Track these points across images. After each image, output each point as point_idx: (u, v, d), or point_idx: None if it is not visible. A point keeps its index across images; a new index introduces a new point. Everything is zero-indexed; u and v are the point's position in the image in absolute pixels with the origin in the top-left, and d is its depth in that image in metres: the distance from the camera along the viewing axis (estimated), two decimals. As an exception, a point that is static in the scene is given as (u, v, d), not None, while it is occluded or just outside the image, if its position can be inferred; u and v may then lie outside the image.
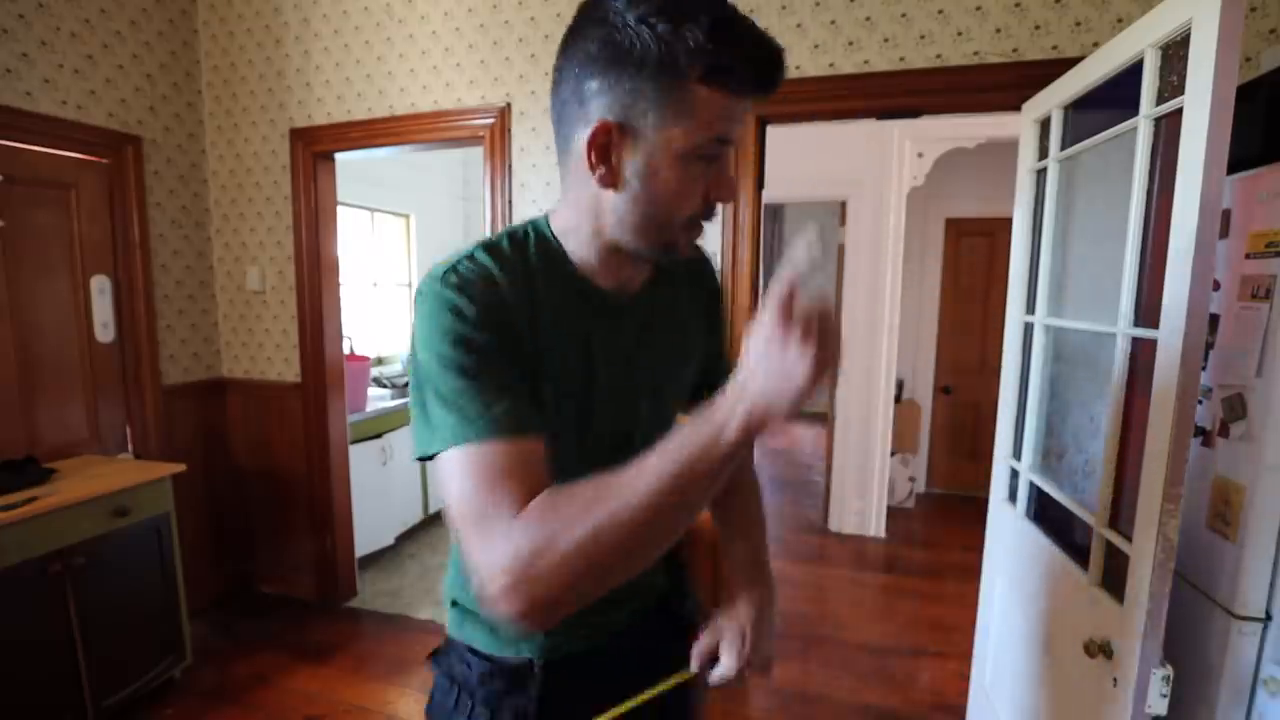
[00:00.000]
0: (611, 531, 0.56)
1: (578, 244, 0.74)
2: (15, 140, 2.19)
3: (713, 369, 0.93)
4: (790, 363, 0.54)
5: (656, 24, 0.59)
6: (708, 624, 0.89)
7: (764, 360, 0.55)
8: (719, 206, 0.70)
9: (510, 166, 2.40)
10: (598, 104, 0.64)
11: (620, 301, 0.78)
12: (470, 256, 0.70)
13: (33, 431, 2.27)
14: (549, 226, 0.76)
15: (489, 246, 0.72)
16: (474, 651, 0.83)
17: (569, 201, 0.74)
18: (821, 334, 0.54)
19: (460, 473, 0.61)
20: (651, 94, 0.61)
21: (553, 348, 0.72)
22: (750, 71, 0.62)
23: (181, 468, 2.28)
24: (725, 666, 0.84)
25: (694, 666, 0.85)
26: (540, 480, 0.61)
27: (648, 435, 0.68)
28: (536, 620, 0.58)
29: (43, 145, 2.27)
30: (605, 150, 0.65)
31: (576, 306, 0.74)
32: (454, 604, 0.87)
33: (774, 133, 2.21)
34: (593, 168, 0.66)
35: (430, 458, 0.64)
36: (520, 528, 0.57)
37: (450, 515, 0.63)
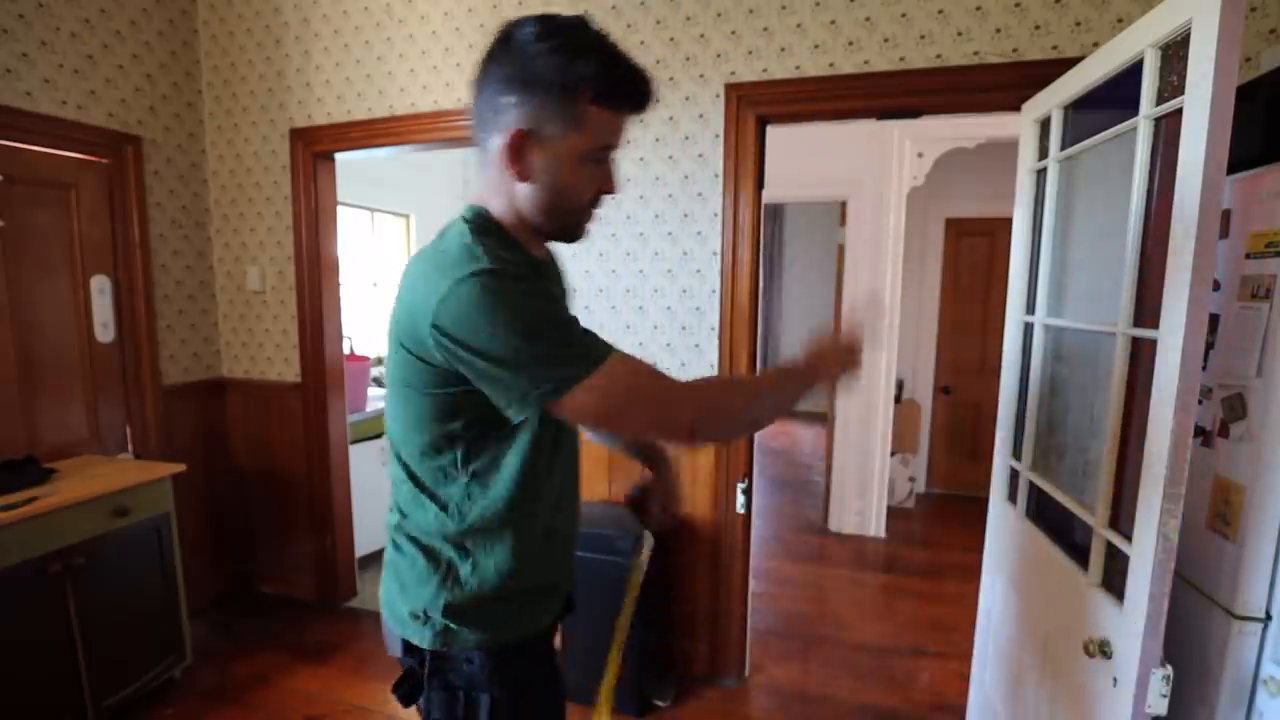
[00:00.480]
0: (750, 401, 0.93)
1: (513, 227, 0.90)
2: (15, 140, 2.19)
3: None
4: (847, 358, 1.04)
5: (557, 57, 0.79)
6: (639, 489, 1.24)
7: (833, 351, 1.03)
8: (611, 195, 0.91)
9: (510, 166, 2.40)
10: (512, 116, 0.82)
11: (547, 265, 0.99)
12: (479, 243, 0.82)
13: (33, 431, 2.27)
14: (491, 215, 0.90)
15: (482, 232, 0.86)
16: (479, 648, 0.90)
17: (492, 191, 0.90)
18: (860, 352, 1.05)
19: (626, 371, 0.82)
20: (554, 110, 0.80)
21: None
22: (630, 95, 0.83)
23: (181, 468, 2.29)
24: (660, 516, 1.23)
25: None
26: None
27: None
28: (709, 440, 1.02)
29: (43, 145, 2.27)
30: (519, 152, 0.83)
31: (537, 270, 0.93)
32: (433, 615, 0.90)
33: (774, 133, 2.21)
34: (509, 165, 0.84)
35: (585, 375, 0.78)
36: (702, 385, 0.91)
37: (617, 404, 0.82)
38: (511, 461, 0.88)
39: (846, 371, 1.02)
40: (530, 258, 0.92)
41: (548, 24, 0.81)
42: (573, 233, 0.92)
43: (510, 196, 0.88)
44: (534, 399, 0.78)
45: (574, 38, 0.80)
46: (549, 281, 0.98)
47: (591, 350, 0.80)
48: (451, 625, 0.89)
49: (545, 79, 0.79)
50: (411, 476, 0.91)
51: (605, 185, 0.89)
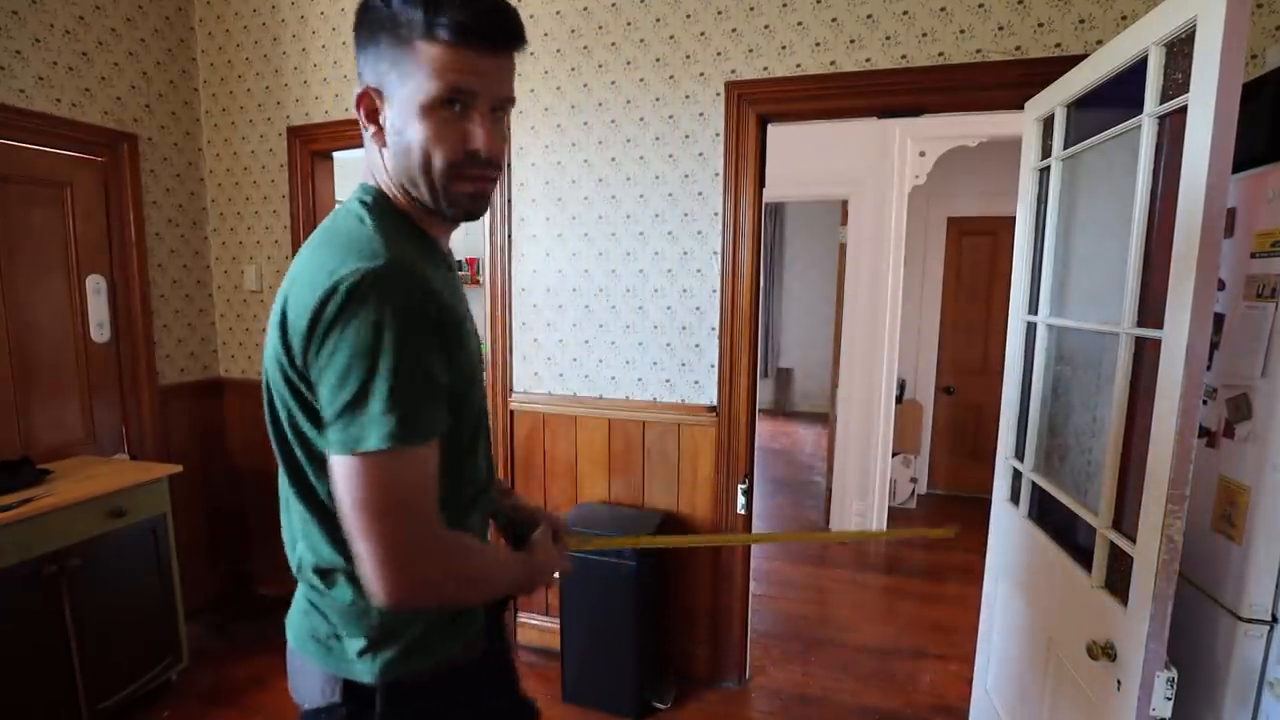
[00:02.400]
0: (473, 581, 0.79)
1: (407, 206, 0.80)
2: (9, 139, 2.17)
3: None
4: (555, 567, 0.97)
5: (396, 6, 0.70)
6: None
7: (549, 560, 0.95)
8: (486, 157, 0.75)
9: (509, 166, 2.39)
10: (364, 74, 0.76)
11: (450, 258, 0.88)
12: (381, 248, 0.70)
13: (28, 432, 2.26)
14: (386, 197, 0.79)
15: (384, 233, 0.73)
16: (436, 667, 0.83)
17: (370, 168, 0.80)
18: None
19: (402, 478, 0.67)
20: (390, 57, 0.72)
21: (451, 315, 0.75)
22: (466, 21, 0.69)
23: (178, 468, 2.27)
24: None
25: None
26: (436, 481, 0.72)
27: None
28: (405, 605, 0.71)
29: (37, 144, 2.25)
30: (373, 113, 0.76)
31: (438, 264, 0.81)
32: (396, 634, 0.80)
33: (775, 132, 2.20)
34: (364, 128, 0.77)
35: (361, 452, 0.66)
36: (445, 549, 0.73)
37: (377, 512, 0.67)
38: None
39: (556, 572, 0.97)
40: (432, 245, 0.83)
41: None
42: (454, 202, 0.77)
43: (379, 168, 0.79)
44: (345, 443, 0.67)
45: None
46: (446, 279, 0.83)
47: (401, 418, 0.65)
48: (408, 648, 0.82)
49: (380, 25, 0.72)
50: None
51: (470, 140, 0.74)
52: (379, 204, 0.78)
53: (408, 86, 0.72)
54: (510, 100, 0.78)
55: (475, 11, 0.70)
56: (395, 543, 0.67)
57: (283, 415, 0.78)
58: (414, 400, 0.67)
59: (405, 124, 0.73)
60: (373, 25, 0.73)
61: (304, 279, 0.71)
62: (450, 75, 0.71)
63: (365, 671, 0.80)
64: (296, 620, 0.92)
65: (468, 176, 0.76)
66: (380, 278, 0.66)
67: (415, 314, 0.67)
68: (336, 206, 0.81)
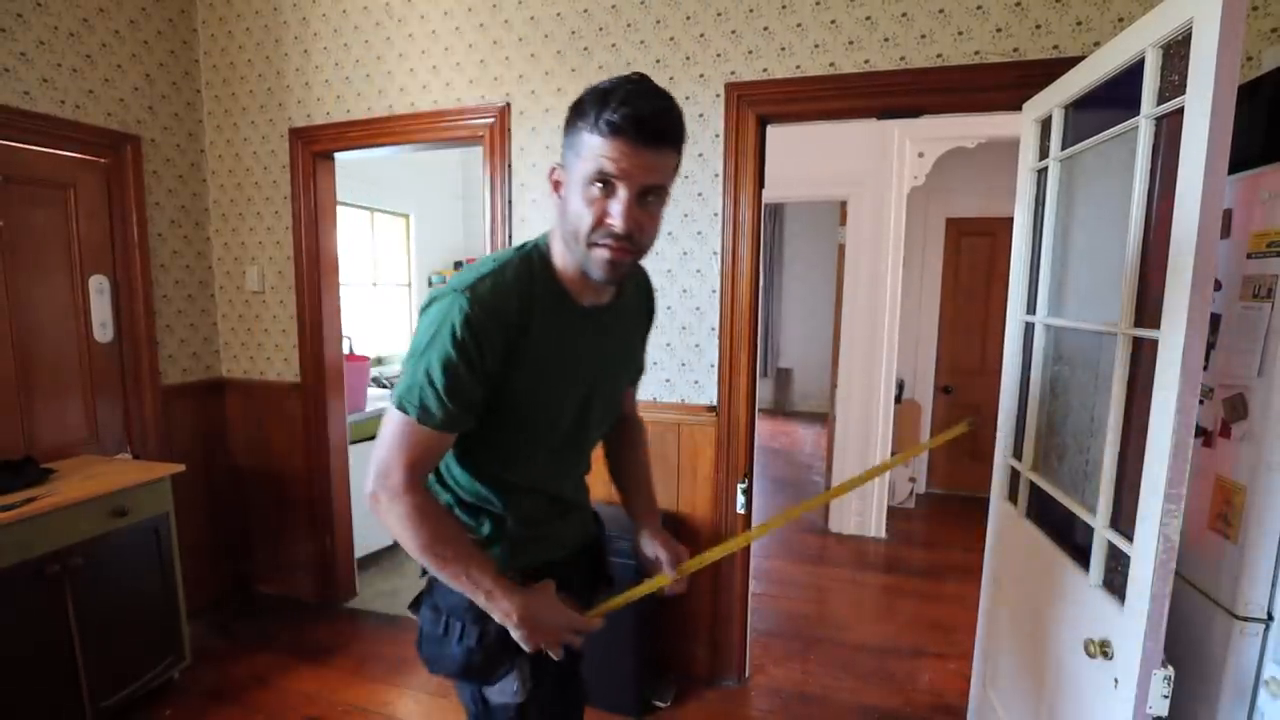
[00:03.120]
0: (427, 548, 0.96)
1: (561, 261, 0.99)
2: (13, 140, 2.18)
3: (637, 367, 1.25)
4: (551, 632, 1.01)
5: (589, 104, 0.88)
6: (644, 549, 1.22)
7: (546, 617, 1.01)
8: (621, 232, 0.90)
9: (510, 166, 2.40)
10: (563, 155, 0.95)
11: (589, 311, 1.03)
12: (488, 275, 0.93)
13: (31, 431, 2.27)
14: (547, 247, 1.01)
15: (504, 265, 0.96)
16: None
17: (553, 227, 1.00)
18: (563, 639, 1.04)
19: (403, 433, 0.93)
20: (572, 143, 0.91)
21: (539, 347, 0.97)
22: (618, 120, 0.85)
23: (180, 468, 2.28)
24: (676, 581, 1.18)
25: (666, 578, 1.19)
26: (437, 460, 0.98)
27: (600, 413, 1.11)
28: (373, 512, 0.96)
29: (41, 145, 2.26)
30: (557, 185, 0.96)
31: (559, 313, 1.00)
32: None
33: (774, 132, 2.20)
34: (552, 195, 0.97)
35: (397, 405, 0.93)
36: (408, 501, 0.94)
37: (381, 443, 0.95)
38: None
39: (545, 642, 1.01)
40: (563, 298, 1.00)
41: (590, 89, 0.92)
42: (593, 263, 0.93)
43: (556, 230, 0.99)
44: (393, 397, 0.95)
45: (596, 87, 0.89)
46: (571, 328, 1.01)
47: (419, 403, 0.92)
48: None
49: (575, 116, 0.91)
50: None
51: (608, 216, 0.90)
52: (531, 253, 1.00)
53: (576, 167, 0.90)
54: (659, 188, 0.92)
55: (628, 114, 0.85)
56: (377, 469, 0.94)
57: None
58: (422, 392, 0.91)
59: (571, 195, 0.92)
60: (572, 116, 0.91)
61: None
62: (600, 161, 0.87)
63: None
64: None
65: (603, 244, 0.91)
66: (453, 300, 0.90)
67: (459, 337, 0.89)
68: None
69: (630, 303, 1.14)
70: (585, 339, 1.03)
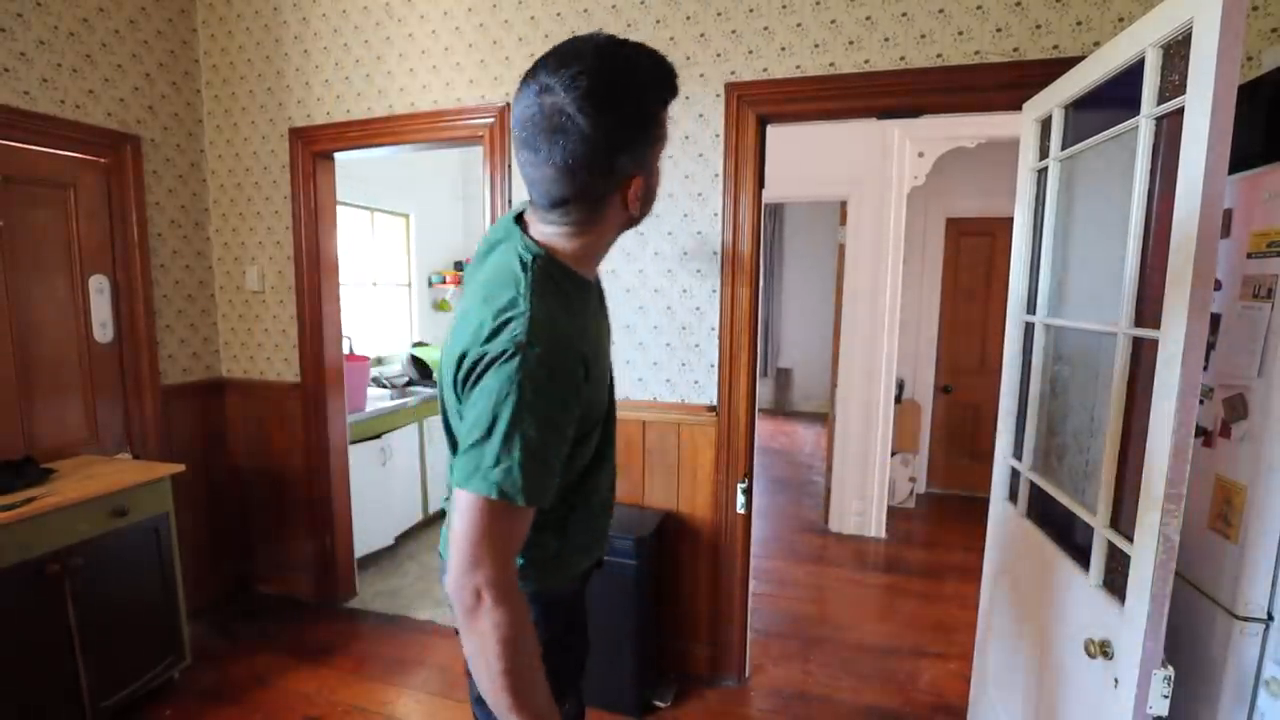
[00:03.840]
0: (505, 669, 0.81)
1: (581, 259, 0.95)
2: (13, 140, 2.18)
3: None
4: None
5: (655, 95, 0.86)
6: None
7: None
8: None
9: (510, 166, 2.40)
10: (628, 161, 0.86)
11: (591, 284, 1.02)
12: (537, 309, 0.83)
13: (31, 431, 2.27)
14: (554, 256, 0.92)
15: (545, 292, 0.87)
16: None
17: (596, 233, 0.93)
18: None
19: (491, 518, 0.80)
20: (644, 130, 0.87)
21: (596, 351, 0.95)
22: (670, 86, 0.86)
23: (180, 468, 2.28)
24: None
25: None
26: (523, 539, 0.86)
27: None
28: (451, 597, 0.82)
29: (41, 145, 2.26)
30: (629, 198, 0.90)
31: (591, 309, 1.00)
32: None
33: (774, 132, 2.20)
34: (629, 207, 0.91)
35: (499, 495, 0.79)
36: (501, 611, 0.80)
37: (472, 539, 0.80)
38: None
39: None
40: (587, 294, 0.99)
41: (628, 65, 0.86)
42: (636, 225, 0.97)
43: (616, 230, 0.96)
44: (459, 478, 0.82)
45: (641, 64, 0.87)
46: (588, 305, 1.00)
47: (519, 483, 0.79)
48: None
49: (634, 120, 0.85)
50: None
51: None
52: (533, 263, 0.91)
53: (654, 149, 0.90)
54: None
55: (668, 83, 0.87)
56: (475, 565, 0.81)
57: None
58: (524, 468, 0.81)
59: (652, 181, 0.92)
60: (638, 114, 0.85)
61: None
62: (664, 127, 0.90)
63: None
64: None
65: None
66: (521, 358, 0.81)
67: (547, 387, 0.82)
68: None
69: None
70: (592, 312, 1.01)
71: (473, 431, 0.80)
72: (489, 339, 0.81)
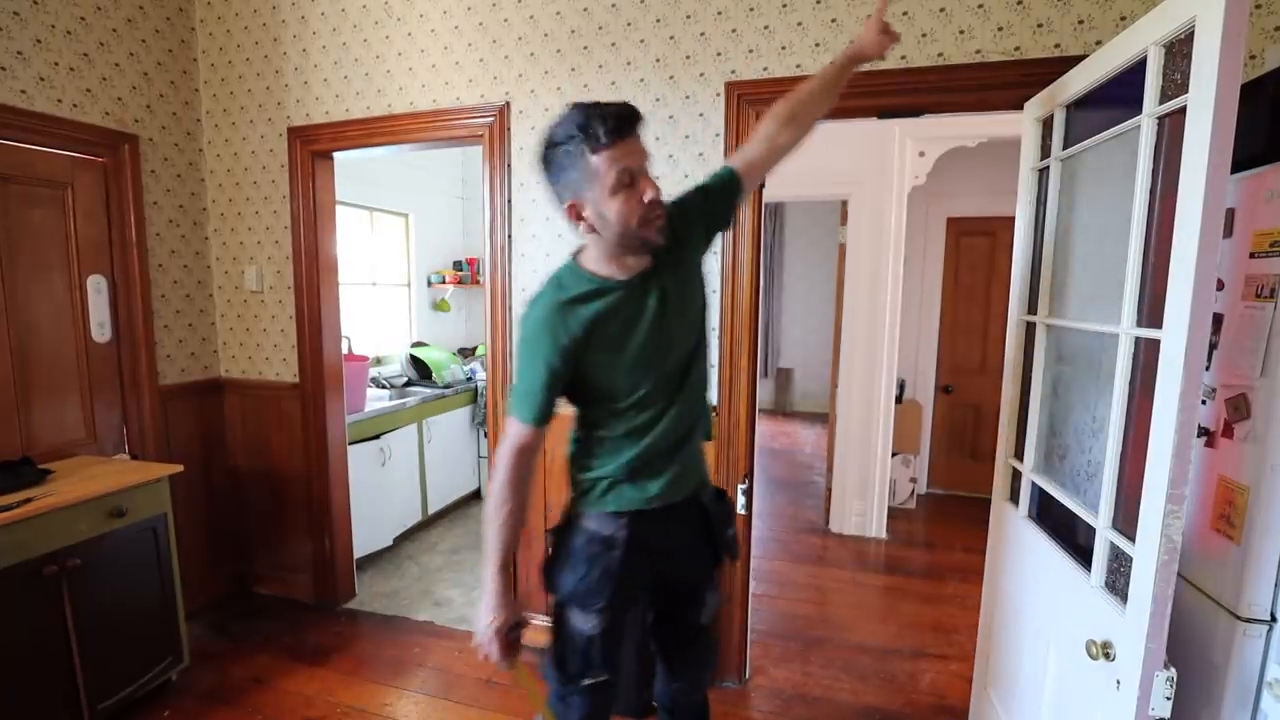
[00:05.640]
0: (495, 511, 1.26)
1: (599, 267, 1.25)
2: (10, 139, 2.18)
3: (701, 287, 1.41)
4: (482, 638, 1.29)
5: (567, 145, 1.13)
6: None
7: (484, 626, 1.28)
8: (654, 200, 1.15)
9: (509, 165, 2.39)
10: (563, 195, 1.19)
11: (637, 280, 1.25)
12: (559, 289, 1.24)
13: (28, 432, 2.26)
14: (579, 266, 1.27)
15: (545, 288, 1.26)
16: (612, 513, 1.31)
17: (591, 241, 1.23)
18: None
19: (514, 431, 1.25)
20: (577, 176, 1.14)
21: (620, 334, 1.23)
22: (615, 126, 1.11)
23: (179, 468, 2.27)
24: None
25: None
26: (540, 443, 1.28)
27: (695, 364, 1.34)
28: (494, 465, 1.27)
29: (38, 144, 2.26)
30: (579, 216, 1.18)
31: (611, 304, 1.23)
32: (593, 485, 1.32)
33: (774, 132, 2.19)
34: (575, 225, 1.20)
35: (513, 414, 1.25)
36: (502, 475, 1.26)
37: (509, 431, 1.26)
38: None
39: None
40: (616, 293, 1.24)
41: (548, 134, 1.17)
42: (645, 240, 1.18)
43: (596, 244, 1.23)
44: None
45: (558, 127, 1.14)
46: (614, 304, 1.24)
47: (520, 408, 1.24)
48: (599, 492, 1.33)
49: (557, 161, 1.15)
50: None
51: (644, 197, 1.14)
52: (563, 271, 1.27)
53: (597, 186, 1.12)
54: (649, 158, 1.18)
55: (612, 121, 1.10)
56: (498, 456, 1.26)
57: None
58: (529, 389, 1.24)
59: (606, 208, 1.14)
60: (555, 163, 1.16)
61: None
62: (618, 165, 1.11)
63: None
64: None
65: (653, 218, 1.17)
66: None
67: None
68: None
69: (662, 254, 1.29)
70: (645, 306, 1.25)
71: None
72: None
